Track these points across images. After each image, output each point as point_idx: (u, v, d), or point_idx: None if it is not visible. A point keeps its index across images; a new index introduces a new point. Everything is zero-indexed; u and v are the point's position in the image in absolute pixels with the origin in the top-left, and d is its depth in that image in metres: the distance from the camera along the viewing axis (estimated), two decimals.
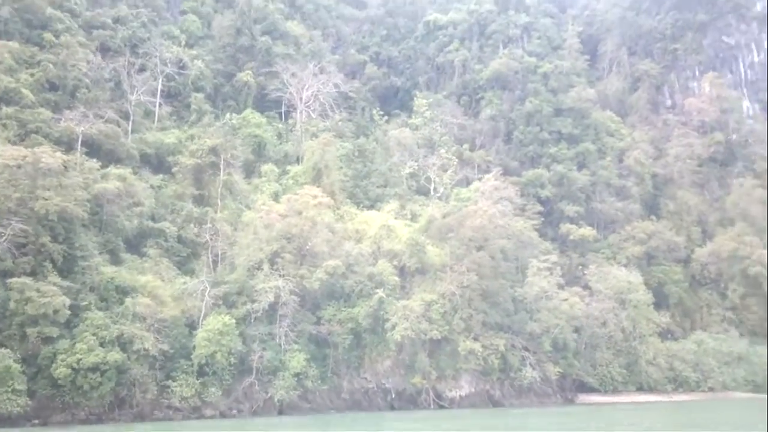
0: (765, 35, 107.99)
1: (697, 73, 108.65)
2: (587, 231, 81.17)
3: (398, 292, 56.51)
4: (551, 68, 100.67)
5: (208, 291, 49.95)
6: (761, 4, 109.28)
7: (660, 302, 75.25)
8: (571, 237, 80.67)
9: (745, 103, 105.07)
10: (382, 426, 42.71)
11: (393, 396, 53.80)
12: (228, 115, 71.46)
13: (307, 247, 55.78)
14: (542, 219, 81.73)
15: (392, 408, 53.43)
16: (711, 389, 65.73)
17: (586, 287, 67.95)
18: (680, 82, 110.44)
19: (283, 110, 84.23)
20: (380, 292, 53.90)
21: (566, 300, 61.99)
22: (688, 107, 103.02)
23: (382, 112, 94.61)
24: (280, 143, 78.39)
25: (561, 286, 63.76)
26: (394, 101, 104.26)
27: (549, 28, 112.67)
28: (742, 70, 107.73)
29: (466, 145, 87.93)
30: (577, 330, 62.27)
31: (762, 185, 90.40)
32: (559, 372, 58.81)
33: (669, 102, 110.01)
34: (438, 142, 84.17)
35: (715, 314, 77.26)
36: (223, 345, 46.81)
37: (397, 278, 57.04)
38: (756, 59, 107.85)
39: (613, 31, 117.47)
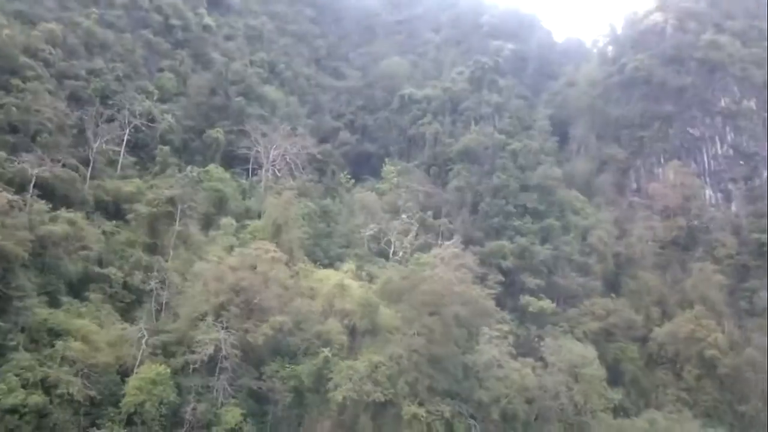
0: (728, 129, 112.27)
1: (662, 160, 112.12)
2: (546, 304, 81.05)
3: (346, 352, 55.39)
4: (520, 146, 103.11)
5: (146, 339, 48.55)
6: (725, 101, 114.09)
7: (616, 379, 74.70)
8: (530, 309, 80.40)
9: (708, 192, 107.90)
10: None
11: None
12: (189, 168, 71.66)
13: (256, 301, 54.88)
14: (502, 289, 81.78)
15: None
16: None
17: (540, 359, 67.33)
18: (645, 167, 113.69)
19: (249, 167, 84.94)
20: (326, 351, 52.86)
21: (518, 370, 61.05)
22: (653, 192, 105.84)
23: (351, 177, 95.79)
24: (243, 199, 78.62)
25: (513, 356, 62.94)
26: (365, 167, 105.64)
27: (520, 109, 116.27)
28: (706, 160, 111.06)
29: (429, 212, 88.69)
30: (528, 401, 61.07)
31: (721, 271, 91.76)
32: None
33: (634, 186, 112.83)
34: (402, 207, 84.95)
35: (670, 394, 76.45)
36: (155, 395, 45.18)
37: (345, 338, 56.05)
38: (720, 151, 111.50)
39: (583, 116, 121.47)
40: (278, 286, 57.98)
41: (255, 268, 56.74)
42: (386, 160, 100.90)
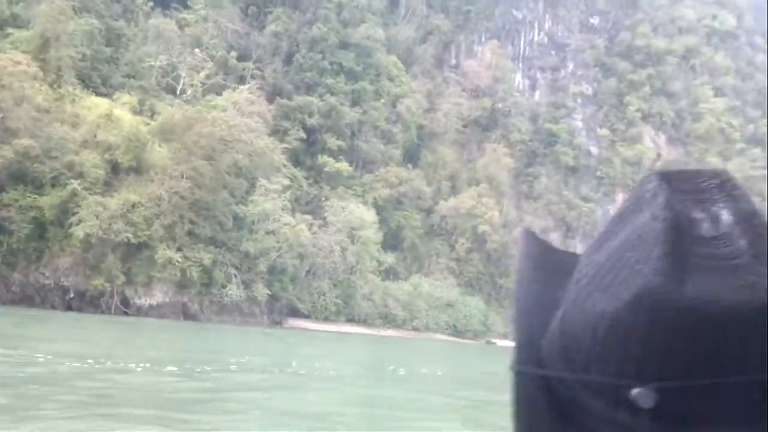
0: (548, 16, 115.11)
1: (483, 38, 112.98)
2: (344, 166, 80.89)
3: (102, 188, 50.96)
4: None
5: None
6: None
7: (396, 244, 78.10)
8: (327, 169, 79.95)
9: (518, 77, 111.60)
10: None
11: (72, 296, 48.80)
12: None
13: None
14: (304, 147, 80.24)
15: (69, 308, 48.48)
16: (416, 329, 69.47)
17: (323, 219, 67.75)
18: (467, 44, 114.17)
19: None
20: (75, 184, 48.10)
21: (293, 226, 60.75)
22: (467, 69, 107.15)
23: (154, 1, 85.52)
24: (11, 3, 67.01)
25: (291, 211, 62.34)
26: None
27: None
28: (522, 44, 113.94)
29: (234, 53, 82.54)
30: (300, 256, 61.63)
31: (512, 154, 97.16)
32: (268, 294, 57.69)
33: (453, 61, 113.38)
34: (207, 44, 77.91)
35: (442, 263, 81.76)
36: None
37: (102, 172, 51.29)
38: (536, 37, 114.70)
39: None
40: (32, 107, 51.06)
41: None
42: None
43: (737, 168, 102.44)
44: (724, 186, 0.52)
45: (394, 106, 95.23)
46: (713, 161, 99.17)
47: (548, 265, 0.54)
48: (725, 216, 0.51)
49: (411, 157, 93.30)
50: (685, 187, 0.52)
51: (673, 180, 0.51)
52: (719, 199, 0.51)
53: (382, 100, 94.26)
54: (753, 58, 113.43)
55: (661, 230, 0.47)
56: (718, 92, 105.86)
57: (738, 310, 0.48)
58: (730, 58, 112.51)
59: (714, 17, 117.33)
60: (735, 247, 0.50)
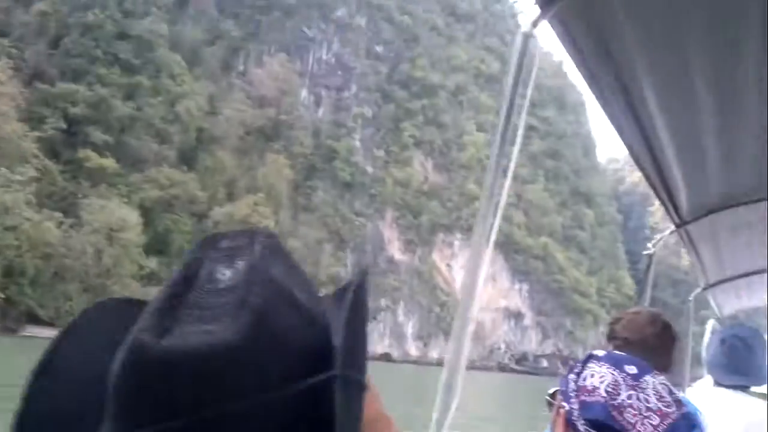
0: (337, 38, 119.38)
1: (272, 50, 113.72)
2: (109, 162, 75.91)
3: None
4: None
5: None
6: (342, 11, 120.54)
7: (162, 249, 75.14)
8: (88, 164, 74.51)
9: (304, 92, 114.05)
10: None
11: None
12: None
13: None
14: (64, 137, 74.09)
15: None
16: None
17: (76, 217, 63.06)
18: (255, 53, 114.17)
19: None
20: None
21: (38, 223, 55.75)
22: (254, 78, 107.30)
23: None
24: None
25: (36, 206, 57.17)
26: None
27: None
28: (311, 61, 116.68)
29: None
30: (45, 257, 56.67)
31: (292, 166, 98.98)
32: (1, 298, 52.14)
33: (241, 68, 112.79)
34: None
35: None
36: None
37: None
38: (324, 56, 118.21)
39: None
40: None
41: None
42: None
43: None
44: (260, 244, 0.59)
45: (173, 106, 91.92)
46: (471, 187, 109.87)
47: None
48: (235, 271, 0.57)
49: (187, 160, 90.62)
50: (222, 245, 0.60)
51: (217, 239, 0.59)
52: (245, 255, 0.59)
53: (160, 98, 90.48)
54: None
55: (165, 286, 0.54)
56: (480, 127, 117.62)
57: (198, 353, 0.54)
58: (492, 98, 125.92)
59: (482, 60, 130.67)
60: (228, 299, 0.57)
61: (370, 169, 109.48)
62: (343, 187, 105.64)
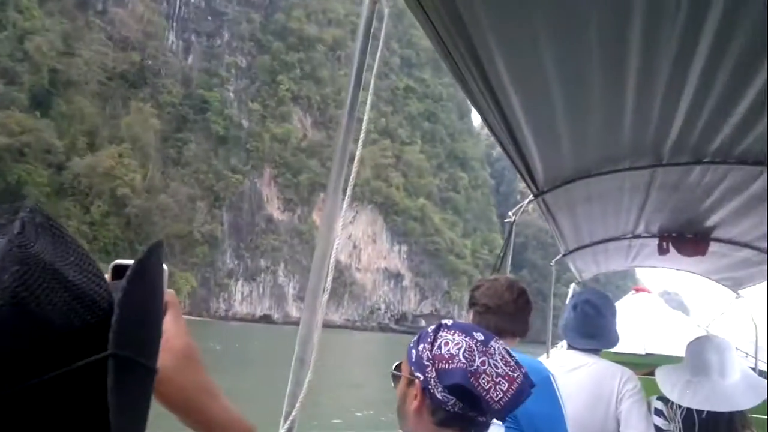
0: None
1: None
2: None
3: None
4: None
5: None
6: None
7: (15, 202, 65.40)
8: None
9: (171, 36, 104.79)
10: None
11: None
12: None
13: None
14: None
15: None
16: None
17: None
18: None
19: None
20: None
21: None
22: (114, 17, 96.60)
23: None
24: None
25: None
26: None
27: None
28: (178, 4, 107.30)
29: None
30: None
31: (159, 116, 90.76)
32: None
33: (100, 6, 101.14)
34: None
35: (72, 226, 71.45)
36: None
37: None
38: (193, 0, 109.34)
39: None
40: None
41: None
42: None
43: (370, 155, 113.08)
44: (23, 220, 0.56)
45: (21, 43, 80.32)
46: (352, 146, 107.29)
47: None
48: None
49: (41, 105, 79.77)
50: None
51: None
52: (3, 232, 0.54)
53: (6, 33, 78.70)
54: (389, 59, 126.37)
55: None
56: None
57: None
58: (371, 56, 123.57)
59: (359, 16, 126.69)
60: None
61: (245, 123, 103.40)
62: (217, 141, 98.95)
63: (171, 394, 0.81)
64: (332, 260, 1.39)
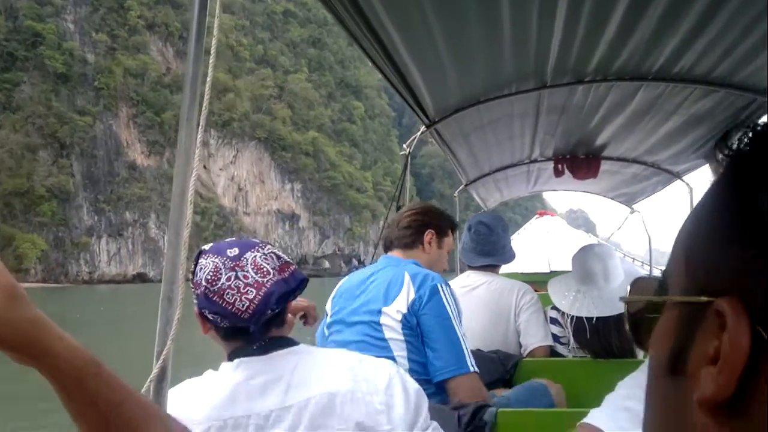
0: None
1: None
2: None
3: None
4: None
5: None
6: None
7: None
8: None
9: None
10: None
11: None
12: None
13: None
14: None
15: None
16: None
17: None
18: None
19: None
20: None
21: None
22: None
23: None
24: None
25: None
26: None
27: None
28: None
29: None
30: None
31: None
32: None
33: None
34: None
35: None
36: None
37: None
38: None
39: None
40: None
41: None
42: None
43: (247, 86, 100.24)
44: None
45: None
46: (221, 76, 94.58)
47: None
48: None
49: None
50: None
51: None
52: None
53: None
54: None
55: None
56: (227, 9, 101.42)
57: None
58: None
59: None
60: None
61: (91, 57, 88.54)
62: (56, 80, 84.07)
63: (5, 333, 0.77)
64: (191, 194, 1.32)
